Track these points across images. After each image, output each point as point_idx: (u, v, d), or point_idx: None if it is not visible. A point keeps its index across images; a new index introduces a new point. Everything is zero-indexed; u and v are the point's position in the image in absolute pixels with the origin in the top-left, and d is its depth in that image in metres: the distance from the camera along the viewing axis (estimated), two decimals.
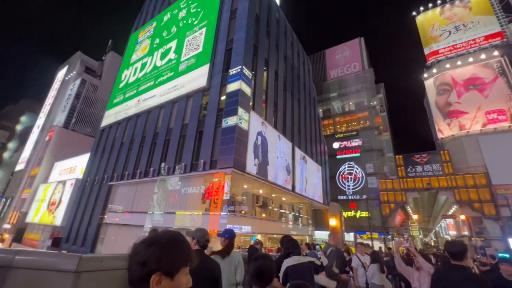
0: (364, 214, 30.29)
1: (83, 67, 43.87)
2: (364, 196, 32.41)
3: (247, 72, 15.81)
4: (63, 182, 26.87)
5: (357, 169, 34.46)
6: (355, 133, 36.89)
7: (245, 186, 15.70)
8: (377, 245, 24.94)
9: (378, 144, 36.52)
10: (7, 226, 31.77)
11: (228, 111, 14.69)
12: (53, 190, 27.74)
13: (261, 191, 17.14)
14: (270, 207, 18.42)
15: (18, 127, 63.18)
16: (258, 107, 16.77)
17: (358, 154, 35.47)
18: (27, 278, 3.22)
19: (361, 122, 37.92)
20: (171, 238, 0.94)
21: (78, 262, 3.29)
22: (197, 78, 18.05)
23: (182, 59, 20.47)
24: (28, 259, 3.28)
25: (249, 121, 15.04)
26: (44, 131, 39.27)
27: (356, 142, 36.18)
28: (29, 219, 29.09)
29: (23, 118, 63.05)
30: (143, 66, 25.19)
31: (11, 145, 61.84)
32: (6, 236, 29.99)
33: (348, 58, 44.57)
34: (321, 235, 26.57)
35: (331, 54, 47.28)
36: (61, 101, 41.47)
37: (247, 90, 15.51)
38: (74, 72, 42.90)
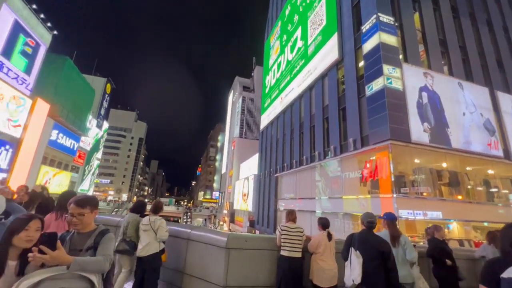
0: None
1: (241, 87, 55.08)
2: None
3: (386, 18, 12.39)
4: (247, 178, 34.71)
5: None
6: None
7: (416, 161, 12.19)
8: None
9: None
10: (225, 211, 46.01)
11: (369, 75, 12.19)
12: (242, 185, 36.64)
13: (444, 165, 12.59)
14: (469, 186, 13.09)
15: (218, 144, 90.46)
16: (413, 56, 12.60)
17: None
18: (199, 249, 3.88)
19: None
20: None
21: (227, 240, 3.57)
22: (328, 54, 16.68)
23: (309, 42, 19.85)
24: (197, 234, 3.96)
25: (402, 77, 11.60)
26: (230, 143, 53.24)
27: None
28: (235, 206, 40.25)
29: (220, 137, 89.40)
30: (279, 66, 27.22)
31: (218, 157, 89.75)
32: (226, 218, 43.44)
33: None
34: None
35: None
36: (234, 118, 54.43)
37: (391, 40, 12.10)
38: (237, 93, 54.93)
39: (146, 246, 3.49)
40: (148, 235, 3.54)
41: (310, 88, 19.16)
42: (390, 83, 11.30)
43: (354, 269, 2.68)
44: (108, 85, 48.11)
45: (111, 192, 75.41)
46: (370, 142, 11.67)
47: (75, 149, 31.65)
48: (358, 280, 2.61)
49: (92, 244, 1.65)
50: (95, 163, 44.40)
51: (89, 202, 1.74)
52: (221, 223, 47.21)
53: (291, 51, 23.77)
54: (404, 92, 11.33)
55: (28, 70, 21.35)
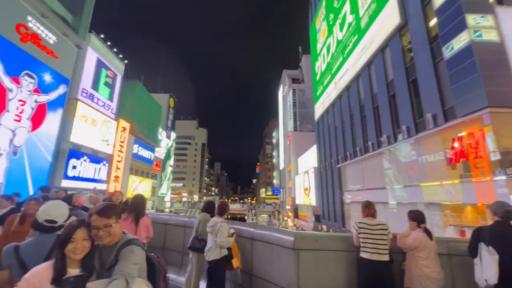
0: None
1: (290, 80, 53.75)
2: None
3: None
4: (307, 172, 33.57)
5: None
6: None
7: None
8: None
9: None
10: (288, 207, 45.76)
11: (447, 32, 9.92)
12: (302, 179, 35.64)
13: None
14: None
15: (274, 141, 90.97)
16: None
17: None
18: (264, 249, 3.59)
19: None
20: None
21: (294, 240, 3.16)
22: (386, 21, 14.46)
23: (361, 13, 17.68)
24: (261, 233, 3.66)
25: (497, 25, 8.98)
26: (285, 138, 52.67)
27: None
28: (297, 201, 39.52)
29: (274, 134, 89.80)
30: (328, 49, 25.27)
31: (274, 153, 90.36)
32: (290, 214, 43.14)
33: None
34: None
35: None
36: (286, 112, 53.61)
37: None
38: (286, 87, 53.91)
39: (209, 250, 3.40)
40: (212, 237, 3.45)
41: (368, 65, 17.02)
42: (479, 35, 8.88)
43: (487, 267, 2.40)
44: (171, 99, 53.92)
45: (185, 194, 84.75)
46: (458, 115, 9.45)
47: (152, 159, 36.59)
48: (493, 280, 2.31)
49: (113, 260, 1.45)
50: (169, 169, 50.45)
51: (114, 210, 1.56)
52: (285, 218, 47.20)
53: (341, 29, 21.68)
54: (502, 44, 8.74)
55: (111, 97, 25.56)
